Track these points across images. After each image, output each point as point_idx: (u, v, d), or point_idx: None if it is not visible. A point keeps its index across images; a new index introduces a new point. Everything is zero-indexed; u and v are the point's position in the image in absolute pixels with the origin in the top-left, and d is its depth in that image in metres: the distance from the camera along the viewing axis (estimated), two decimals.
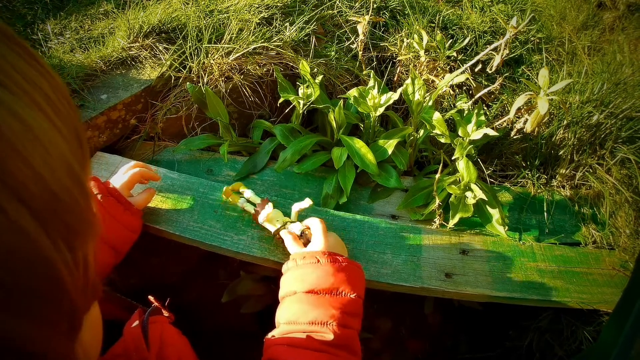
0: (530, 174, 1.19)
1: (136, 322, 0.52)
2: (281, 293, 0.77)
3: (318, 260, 0.74)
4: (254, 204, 0.99)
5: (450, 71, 1.38)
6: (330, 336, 0.64)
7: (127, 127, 1.24)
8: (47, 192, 0.22)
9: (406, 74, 1.43)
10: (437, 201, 1.05)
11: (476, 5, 1.64)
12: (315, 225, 0.87)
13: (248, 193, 1.00)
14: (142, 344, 0.49)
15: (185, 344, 0.59)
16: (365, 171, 1.13)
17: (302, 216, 0.97)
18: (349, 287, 0.71)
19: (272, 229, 0.94)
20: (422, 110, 1.19)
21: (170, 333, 0.56)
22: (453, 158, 1.12)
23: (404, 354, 1.50)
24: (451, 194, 1.05)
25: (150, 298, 0.59)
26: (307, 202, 0.93)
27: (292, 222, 0.93)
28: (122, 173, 0.93)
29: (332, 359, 0.62)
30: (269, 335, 0.69)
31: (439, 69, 1.40)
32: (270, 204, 0.95)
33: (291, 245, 0.87)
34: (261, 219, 0.94)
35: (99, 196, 0.81)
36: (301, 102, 1.19)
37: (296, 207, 0.95)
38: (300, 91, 1.19)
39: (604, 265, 1.01)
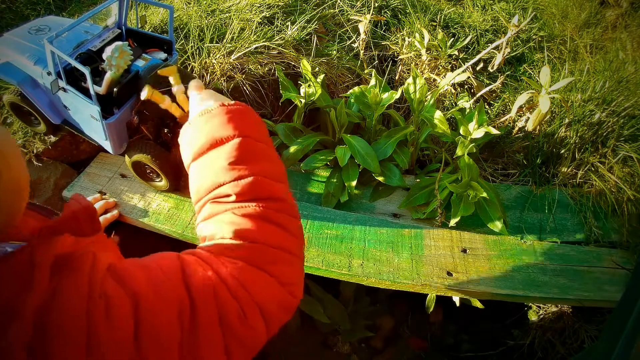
0: (531, 173, 1.19)
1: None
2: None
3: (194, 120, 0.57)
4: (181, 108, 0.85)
5: (452, 70, 1.38)
6: (232, 197, 0.52)
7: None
8: None
9: (408, 73, 1.43)
10: (439, 200, 1.05)
11: (478, 3, 1.64)
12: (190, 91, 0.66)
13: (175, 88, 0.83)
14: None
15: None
16: (366, 170, 1.13)
17: None
18: (225, 130, 0.54)
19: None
20: (424, 109, 1.19)
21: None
22: (454, 157, 1.12)
23: (406, 352, 1.50)
24: (452, 193, 1.05)
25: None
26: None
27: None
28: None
29: (255, 210, 0.51)
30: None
31: (441, 67, 1.40)
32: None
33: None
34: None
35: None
36: (303, 101, 1.19)
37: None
38: (302, 90, 1.19)
39: (605, 264, 1.01)
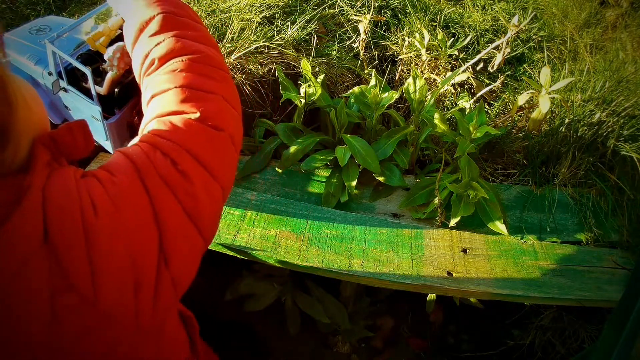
0: (531, 173, 1.19)
1: None
2: None
3: None
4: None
5: (452, 70, 1.38)
6: (156, 62, 0.57)
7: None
8: None
9: (408, 73, 1.43)
10: (439, 200, 1.05)
11: (478, 3, 1.64)
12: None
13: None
14: None
15: None
16: (366, 170, 1.13)
17: None
18: (149, 11, 0.60)
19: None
20: (424, 109, 1.19)
21: None
22: (454, 157, 1.12)
23: (406, 352, 1.50)
24: (452, 193, 1.05)
25: None
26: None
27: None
28: None
29: (172, 65, 0.55)
30: None
31: (441, 67, 1.40)
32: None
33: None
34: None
35: None
36: (303, 101, 1.19)
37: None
38: (302, 90, 1.19)
39: (605, 264, 1.01)
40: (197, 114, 0.50)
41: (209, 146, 0.50)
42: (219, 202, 0.50)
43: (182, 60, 0.55)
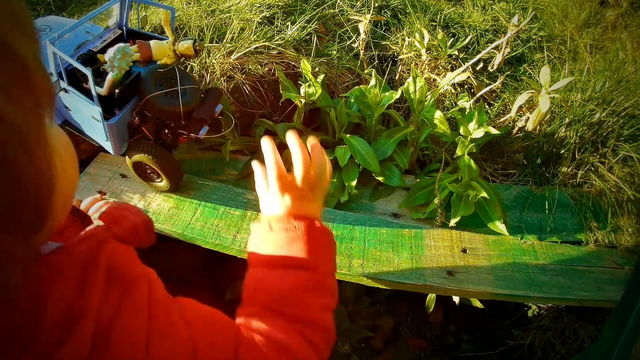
0: (531, 173, 1.19)
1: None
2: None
3: (271, 228, 0.60)
4: None
5: (452, 70, 1.38)
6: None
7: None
8: None
9: (408, 73, 1.43)
10: (439, 200, 1.05)
11: (478, 3, 1.64)
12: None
13: None
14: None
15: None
16: (366, 170, 1.13)
17: None
18: (301, 256, 0.59)
19: None
20: (424, 109, 1.19)
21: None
22: (454, 157, 1.12)
23: (406, 352, 1.50)
24: (452, 193, 1.05)
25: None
26: None
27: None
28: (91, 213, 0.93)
29: (299, 337, 0.56)
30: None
31: (441, 67, 1.40)
32: None
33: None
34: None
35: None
36: (303, 101, 1.19)
37: None
38: (302, 90, 1.19)
39: (605, 264, 1.01)
40: None
41: None
42: None
43: (309, 335, 0.57)
